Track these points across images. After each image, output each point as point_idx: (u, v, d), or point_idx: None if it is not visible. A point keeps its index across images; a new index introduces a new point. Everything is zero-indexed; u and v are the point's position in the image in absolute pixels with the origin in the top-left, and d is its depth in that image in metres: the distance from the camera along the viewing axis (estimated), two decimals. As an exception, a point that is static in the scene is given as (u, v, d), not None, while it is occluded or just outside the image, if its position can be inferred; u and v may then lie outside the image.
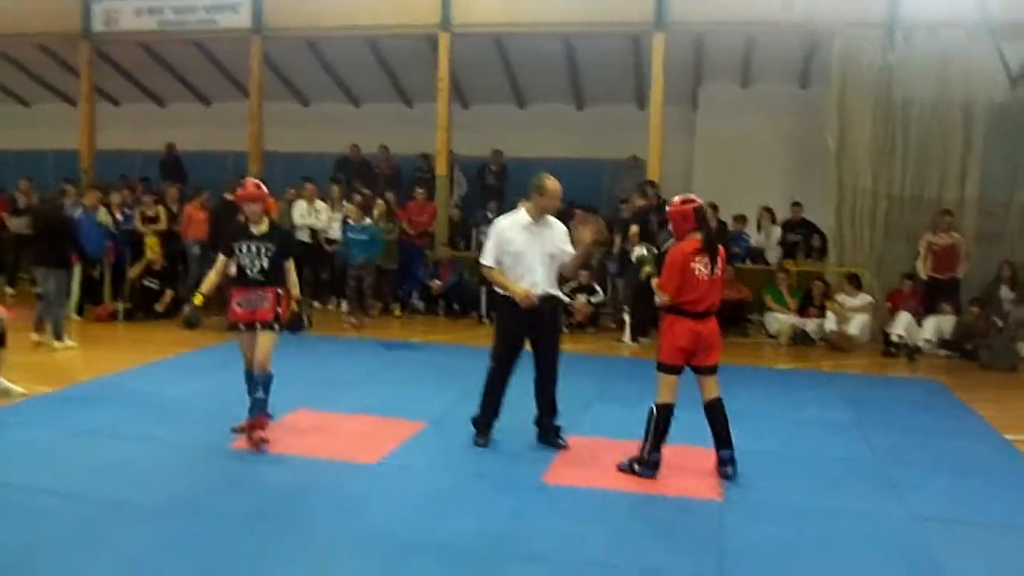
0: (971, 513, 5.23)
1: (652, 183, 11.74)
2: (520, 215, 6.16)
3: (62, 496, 5.04)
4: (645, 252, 6.03)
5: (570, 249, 6.12)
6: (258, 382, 6.06)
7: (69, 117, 15.48)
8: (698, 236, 5.53)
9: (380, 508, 5.03)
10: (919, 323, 10.81)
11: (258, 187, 6.27)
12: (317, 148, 15.38)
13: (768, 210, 12.97)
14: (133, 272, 11.83)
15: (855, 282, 11.25)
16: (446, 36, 12.91)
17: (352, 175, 14.42)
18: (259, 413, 6.06)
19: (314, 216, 12.87)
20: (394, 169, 14.98)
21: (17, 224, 13.25)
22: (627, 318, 10.97)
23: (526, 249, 6.02)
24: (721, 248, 5.67)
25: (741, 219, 12.94)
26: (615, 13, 12.32)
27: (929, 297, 11.20)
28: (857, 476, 5.89)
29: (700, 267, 5.48)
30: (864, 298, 11.16)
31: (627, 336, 10.89)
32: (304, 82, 16.16)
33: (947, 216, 11.28)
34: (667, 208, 5.81)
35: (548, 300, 6.08)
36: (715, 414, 5.65)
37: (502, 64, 14.57)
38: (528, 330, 6.11)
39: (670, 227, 5.82)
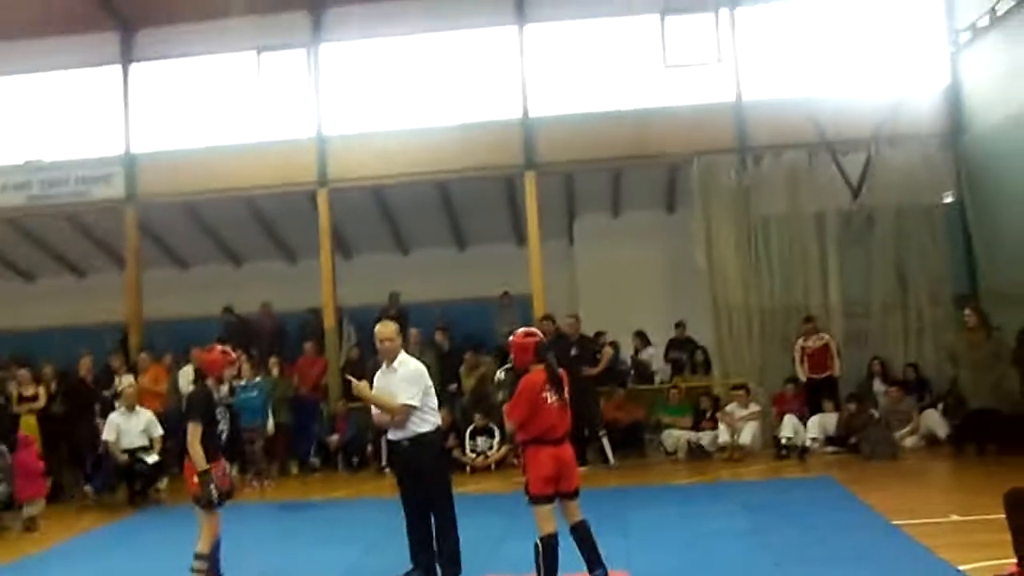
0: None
1: (548, 317, 11.94)
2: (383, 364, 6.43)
3: None
4: (504, 376, 6.26)
5: (401, 397, 6.15)
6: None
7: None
8: (540, 367, 5.74)
9: None
10: (804, 424, 11.25)
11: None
12: (199, 312, 15.07)
13: (639, 334, 13.49)
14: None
15: (744, 392, 11.66)
16: (324, 192, 13.22)
17: (233, 337, 14.12)
18: None
19: (203, 380, 12.53)
20: (277, 326, 14.79)
21: None
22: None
23: (379, 393, 6.27)
24: (564, 375, 5.87)
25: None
26: (486, 157, 12.95)
27: (811, 398, 11.71)
28: (760, 582, 6.01)
29: (550, 396, 5.67)
30: (753, 407, 11.55)
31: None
32: (181, 245, 16.01)
33: (809, 323, 11.97)
34: (510, 339, 5.97)
35: (404, 443, 6.20)
36: (585, 534, 5.71)
37: (382, 214, 14.91)
38: (404, 469, 6.29)
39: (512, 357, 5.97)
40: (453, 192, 14.32)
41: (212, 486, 5.91)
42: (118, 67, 13.95)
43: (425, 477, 6.18)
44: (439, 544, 6.22)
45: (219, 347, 6.45)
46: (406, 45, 13.64)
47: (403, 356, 6.35)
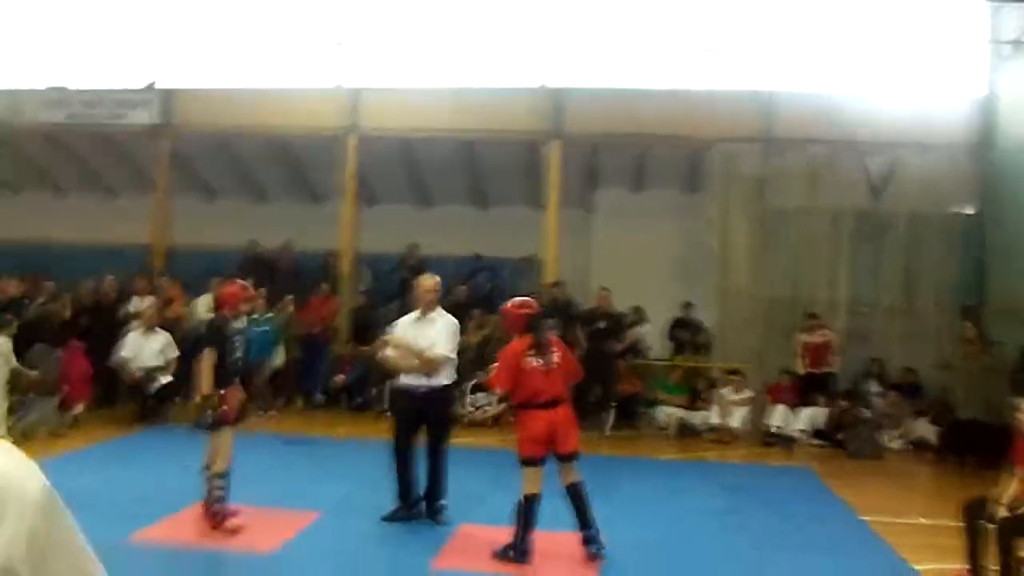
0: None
1: (557, 284, 12.22)
2: (414, 312, 6.80)
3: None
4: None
5: (441, 348, 6.60)
6: None
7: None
8: (529, 337, 6.02)
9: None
10: (794, 415, 11.52)
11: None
12: (222, 242, 15.41)
13: (635, 310, 13.57)
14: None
15: (739, 377, 11.93)
16: (354, 137, 13.45)
17: (250, 271, 14.44)
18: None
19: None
20: (293, 264, 15.10)
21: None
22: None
23: (413, 341, 6.68)
24: (557, 340, 6.26)
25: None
26: (515, 122, 13.12)
27: (806, 390, 11.94)
28: (731, 561, 6.35)
29: (533, 361, 5.93)
30: (746, 392, 11.82)
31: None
32: (210, 176, 16.31)
33: (813, 319, 12.17)
34: (503, 306, 6.38)
35: (421, 389, 6.62)
36: (576, 496, 6.01)
37: (407, 165, 15.11)
38: (415, 415, 6.66)
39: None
40: (479, 152, 14.48)
41: (208, 411, 6.21)
42: None
43: (436, 424, 6.67)
44: (429, 487, 6.67)
45: (238, 282, 6.76)
46: (446, 3, 13.78)
47: (439, 308, 6.79)
